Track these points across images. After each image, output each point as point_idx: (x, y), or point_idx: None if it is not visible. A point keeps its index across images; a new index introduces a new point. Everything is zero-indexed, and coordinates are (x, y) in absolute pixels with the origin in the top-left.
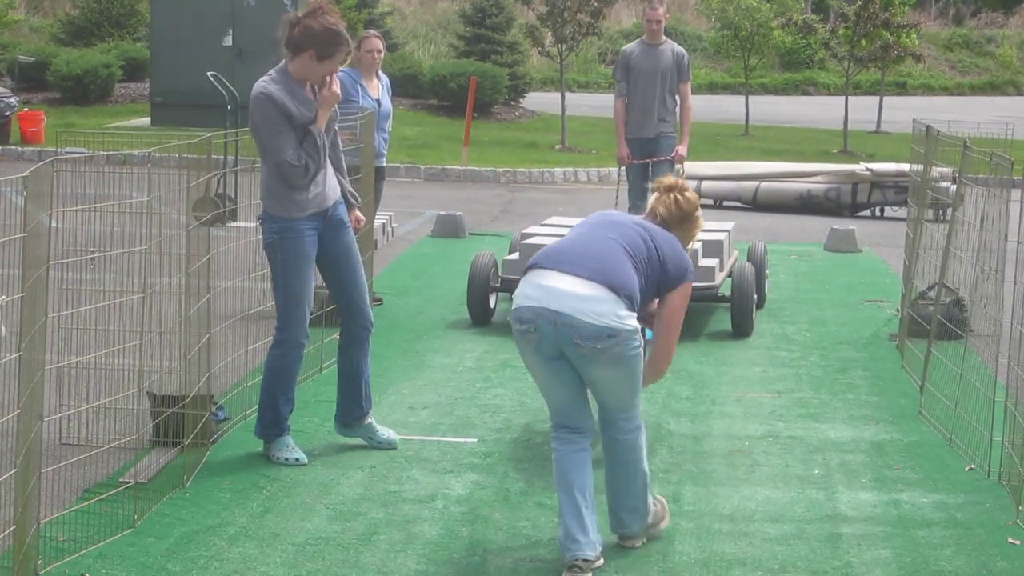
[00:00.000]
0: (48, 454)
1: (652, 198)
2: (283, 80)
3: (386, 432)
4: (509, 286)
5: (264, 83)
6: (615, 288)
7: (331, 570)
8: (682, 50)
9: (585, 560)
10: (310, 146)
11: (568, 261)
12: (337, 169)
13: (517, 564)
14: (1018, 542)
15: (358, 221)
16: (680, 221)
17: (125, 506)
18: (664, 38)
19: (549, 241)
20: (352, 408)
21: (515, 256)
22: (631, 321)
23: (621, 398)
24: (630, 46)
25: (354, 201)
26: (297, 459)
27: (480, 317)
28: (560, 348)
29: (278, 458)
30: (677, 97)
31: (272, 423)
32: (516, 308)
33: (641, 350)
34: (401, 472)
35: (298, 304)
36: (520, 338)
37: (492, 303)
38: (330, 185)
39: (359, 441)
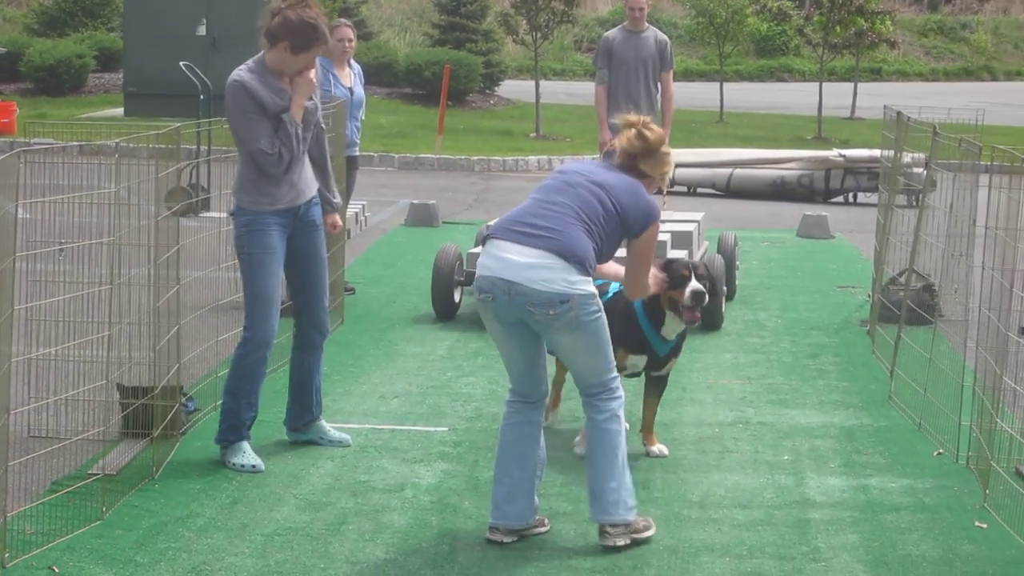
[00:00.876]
0: (16, 447)
1: (618, 138)
2: (259, 70)
3: (336, 432)
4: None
5: (239, 72)
6: (564, 254)
7: (300, 560)
8: (665, 37)
9: (499, 529)
10: (284, 135)
11: (519, 231)
12: (322, 171)
13: (486, 553)
14: (985, 526)
15: (334, 226)
16: (645, 156)
17: (93, 498)
18: (647, 25)
19: None
20: (302, 413)
21: (480, 249)
22: (585, 285)
23: (591, 367)
24: (612, 32)
25: (332, 206)
26: (253, 466)
27: (445, 312)
28: (519, 316)
29: (233, 464)
30: (659, 85)
31: (231, 428)
32: (476, 278)
33: (601, 315)
34: (371, 462)
35: (265, 301)
36: (480, 306)
37: (457, 297)
38: (306, 182)
39: None
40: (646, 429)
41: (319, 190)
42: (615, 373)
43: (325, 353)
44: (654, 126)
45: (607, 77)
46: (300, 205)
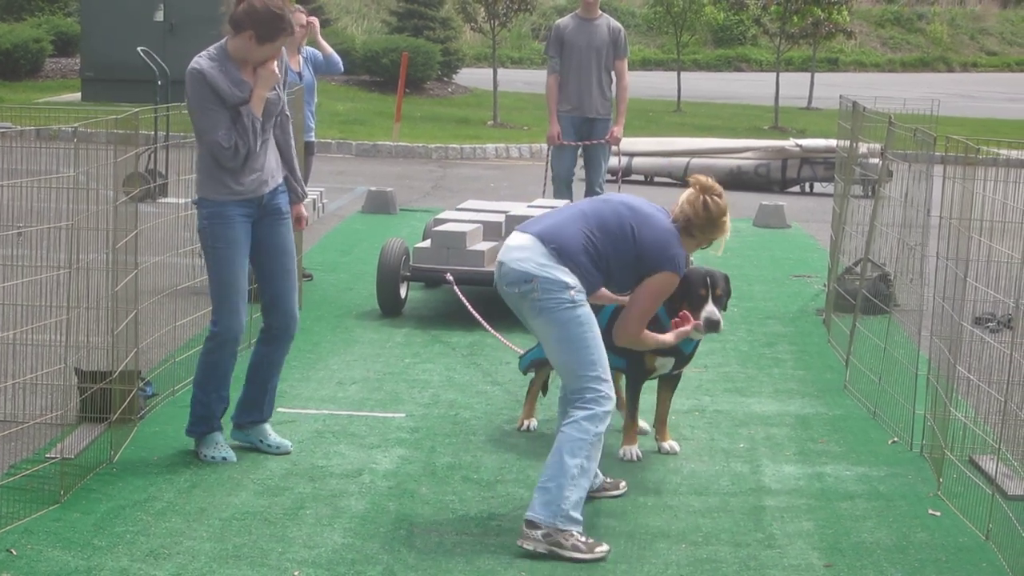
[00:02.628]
0: None
1: (684, 195)
2: (220, 58)
3: (278, 438)
4: (422, 275)
5: (199, 60)
6: (544, 239)
7: (258, 544)
8: (618, 25)
9: (527, 522)
10: (241, 128)
11: (527, 224)
12: (287, 160)
13: (443, 538)
14: (939, 514)
15: (299, 219)
16: (705, 224)
17: (51, 482)
18: (600, 12)
19: (462, 227)
20: (250, 410)
21: (427, 244)
22: (554, 271)
23: (565, 365)
24: (563, 20)
25: (302, 195)
26: (224, 457)
27: (390, 307)
28: (509, 301)
29: (205, 456)
30: (613, 74)
31: (202, 419)
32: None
33: (573, 309)
34: (328, 447)
35: (230, 293)
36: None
37: (404, 292)
38: (269, 172)
39: (286, 417)
40: (660, 424)
41: (285, 178)
42: (596, 384)
43: None
44: (721, 198)
45: (559, 66)
46: (264, 194)
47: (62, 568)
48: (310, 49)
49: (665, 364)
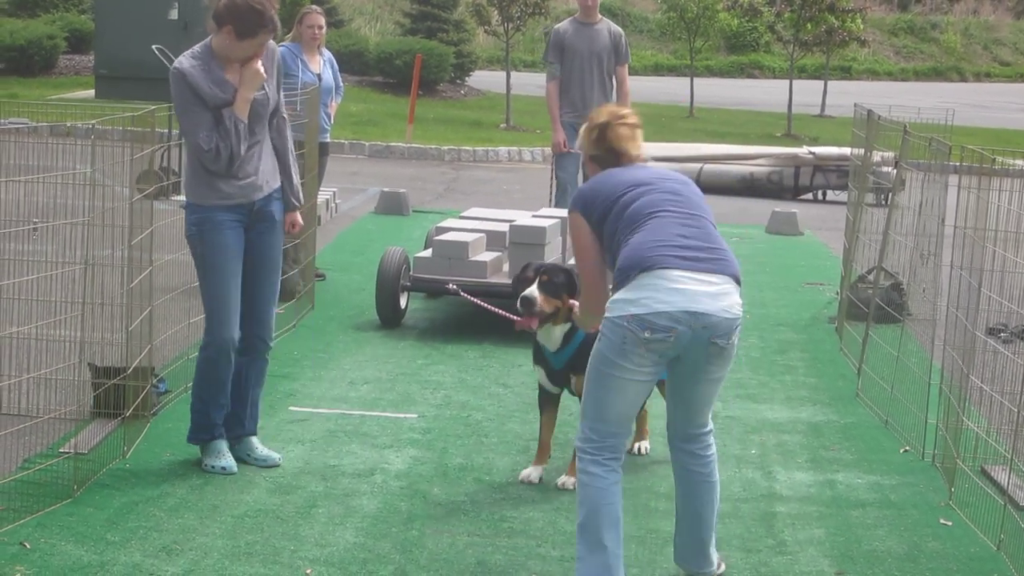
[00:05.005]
0: None
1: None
2: (203, 57)
3: (266, 450)
4: (422, 286)
5: (182, 59)
6: (735, 277)
7: (270, 542)
8: (619, 29)
9: None
10: (222, 131)
11: (687, 257)
12: (284, 164)
13: (455, 539)
14: (950, 523)
15: (293, 224)
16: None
17: (65, 476)
18: (600, 16)
19: (464, 237)
20: (233, 424)
21: (428, 253)
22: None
23: (712, 402)
24: (562, 25)
25: (296, 203)
26: (224, 467)
27: (389, 319)
28: (685, 352)
29: (206, 465)
30: (614, 80)
31: (202, 427)
32: (647, 314)
33: None
34: (341, 446)
35: (223, 302)
36: (639, 347)
37: (404, 303)
38: (263, 178)
39: (298, 416)
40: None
41: (281, 185)
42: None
43: (294, 338)
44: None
45: (559, 72)
46: (256, 200)
47: (75, 562)
48: (330, 53)
49: (541, 374)
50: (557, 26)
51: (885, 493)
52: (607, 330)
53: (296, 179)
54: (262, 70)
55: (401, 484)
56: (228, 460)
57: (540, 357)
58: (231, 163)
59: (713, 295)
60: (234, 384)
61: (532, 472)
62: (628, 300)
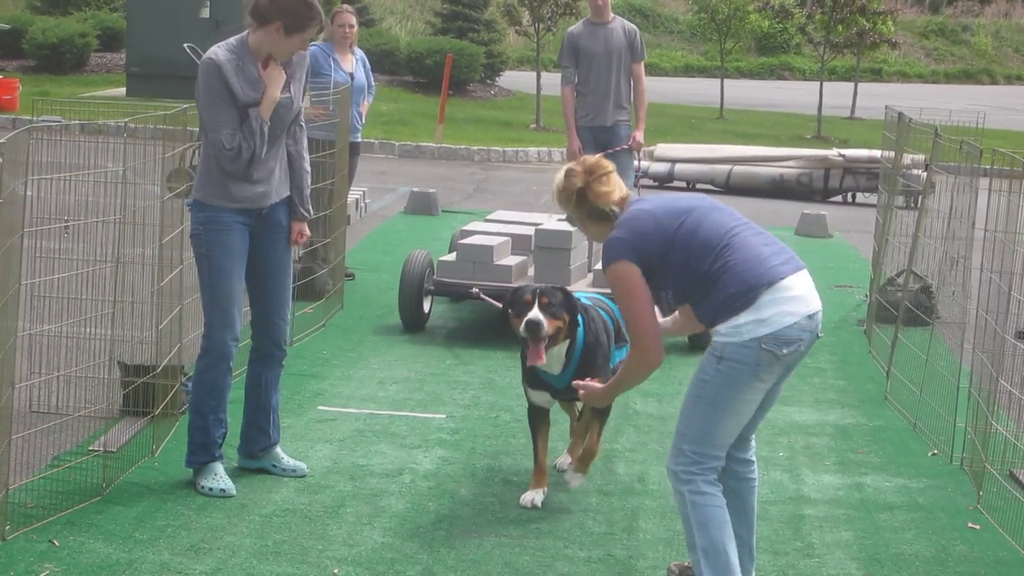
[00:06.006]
0: (18, 421)
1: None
2: (239, 51)
3: (292, 461)
4: (445, 290)
5: (216, 50)
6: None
7: (297, 541)
8: (633, 27)
9: None
10: (247, 131)
11: (781, 263)
12: (297, 173)
13: (483, 539)
14: (978, 527)
15: (300, 235)
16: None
17: (94, 474)
18: (612, 15)
19: (489, 240)
20: (257, 436)
21: (452, 257)
22: None
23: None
24: (575, 27)
25: (305, 214)
26: (223, 490)
27: (412, 323)
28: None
29: (203, 487)
30: (630, 79)
31: (201, 447)
32: (780, 331)
33: None
34: (369, 446)
35: (225, 305)
36: (773, 365)
37: (427, 307)
38: (275, 186)
39: (327, 416)
40: (577, 454)
41: (290, 196)
42: None
43: (324, 337)
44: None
45: (574, 76)
46: (264, 207)
47: (103, 560)
48: (362, 52)
49: (540, 396)
50: (570, 29)
51: (913, 496)
52: (734, 355)
53: (307, 189)
54: (282, 70)
55: (429, 484)
56: (227, 482)
57: (537, 381)
58: (251, 165)
59: (812, 290)
60: (252, 394)
61: (536, 497)
62: (758, 320)
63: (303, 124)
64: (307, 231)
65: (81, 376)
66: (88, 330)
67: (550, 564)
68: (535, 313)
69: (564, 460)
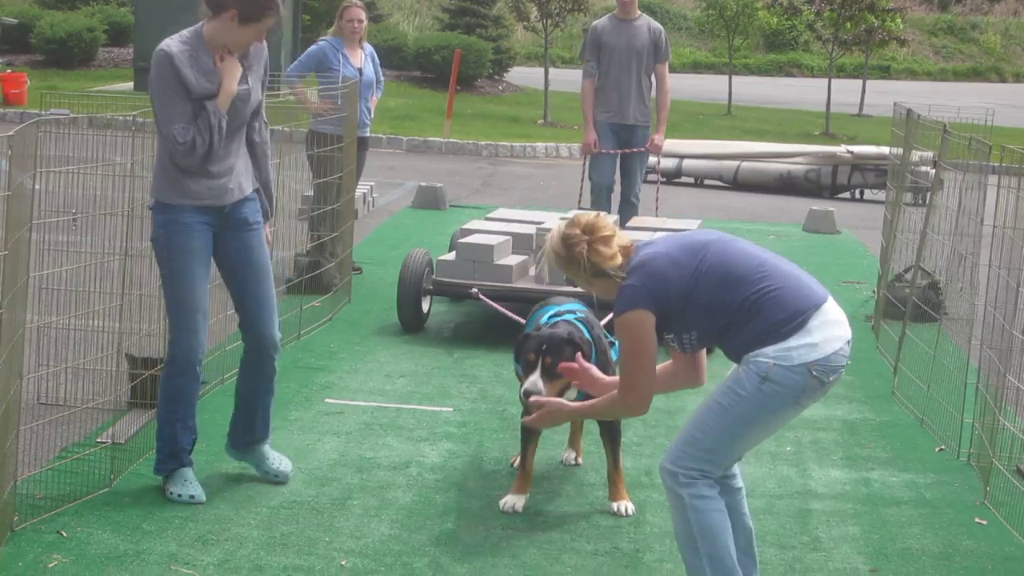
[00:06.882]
0: (26, 412)
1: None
2: (192, 42)
3: (278, 462)
4: (444, 289)
5: (169, 42)
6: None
7: (305, 533)
8: (659, 26)
9: None
10: (203, 124)
11: (817, 285)
12: (261, 170)
13: (490, 532)
14: (985, 523)
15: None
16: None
17: (101, 466)
18: (639, 12)
19: (489, 239)
20: (243, 433)
21: (451, 256)
22: None
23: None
24: (600, 21)
25: (266, 215)
26: (192, 496)
27: (411, 324)
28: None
29: (171, 493)
30: (653, 79)
31: (170, 456)
32: (829, 356)
33: None
34: (376, 439)
35: (187, 311)
36: (817, 391)
37: (426, 307)
38: (237, 181)
39: (334, 409)
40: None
41: (256, 191)
42: None
43: (331, 331)
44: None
45: (595, 70)
46: (228, 204)
47: (111, 551)
48: (371, 47)
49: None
50: (595, 23)
51: (920, 491)
52: (781, 378)
53: (272, 189)
54: (238, 62)
55: (436, 477)
56: (196, 488)
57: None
58: (206, 159)
59: (844, 314)
60: (242, 396)
61: (517, 502)
62: (810, 345)
63: (266, 120)
64: (268, 236)
65: (89, 368)
66: (96, 323)
67: (557, 557)
68: (533, 381)
69: (569, 455)
